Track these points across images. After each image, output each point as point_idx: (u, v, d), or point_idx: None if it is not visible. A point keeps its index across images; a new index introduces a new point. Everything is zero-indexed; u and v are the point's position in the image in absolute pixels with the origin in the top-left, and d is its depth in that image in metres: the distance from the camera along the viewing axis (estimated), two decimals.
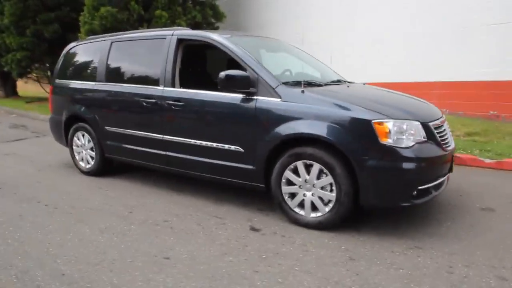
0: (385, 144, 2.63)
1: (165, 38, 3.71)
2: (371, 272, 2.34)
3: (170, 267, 2.44)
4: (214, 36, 3.43)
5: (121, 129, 4.05)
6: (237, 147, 3.21)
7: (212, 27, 11.33)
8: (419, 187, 2.71)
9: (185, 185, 4.14)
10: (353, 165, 2.70)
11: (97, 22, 9.32)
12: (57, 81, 4.86)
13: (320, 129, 2.78)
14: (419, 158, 2.66)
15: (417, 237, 2.78)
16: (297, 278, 2.28)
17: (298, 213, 3.02)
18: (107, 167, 4.54)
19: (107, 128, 4.20)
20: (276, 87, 3.01)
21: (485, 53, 7.17)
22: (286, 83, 3.09)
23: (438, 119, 3.07)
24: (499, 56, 7.04)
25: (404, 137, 2.67)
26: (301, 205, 3.01)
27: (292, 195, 3.05)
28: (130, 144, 4.02)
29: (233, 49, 3.26)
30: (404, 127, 2.69)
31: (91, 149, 4.53)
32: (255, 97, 3.08)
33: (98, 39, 4.51)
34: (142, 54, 3.98)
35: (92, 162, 4.56)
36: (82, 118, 4.49)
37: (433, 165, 2.82)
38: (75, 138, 4.70)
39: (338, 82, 3.81)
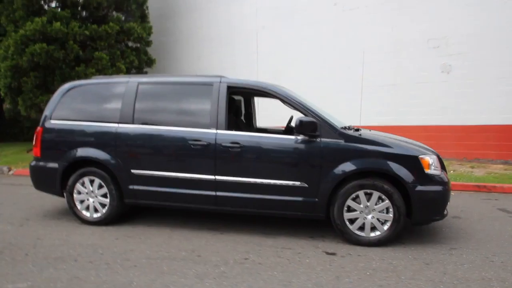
0: (428, 174, 3.29)
1: (212, 85, 3.69)
2: (446, 269, 2.84)
3: None
4: (270, 86, 3.65)
5: (156, 172, 3.69)
6: (302, 183, 3.40)
7: (141, 72, 10.91)
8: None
9: (214, 224, 3.97)
10: (408, 191, 3.25)
11: (26, 59, 7.92)
12: (52, 122, 4.07)
13: (381, 165, 3.27)
14: (446, 182, 3.39)
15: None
16: (413, 284, 2.61)
17: (359, 235, 3.36)
18: (120, 214, 3.96)
19: (134, 171, 3.75)
20: (338, 130, 3.40)
21: (384, 103, 9.01)
22: (346, 128, 3.51)
23: None
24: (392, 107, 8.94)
25: (435, 168, 3.39)
26: (361, 227, 3.37)
27: (350, 220, 3.39)
28: (167, 186, 3.68)
29: (295, 98, 3.54)
30: (434, 160, 3.41)
31: (104, 195, 3.90)
32: (319, 139, 3.39)
33: (114, 80, 4.06)
34: (182, 98, 3.79)
35: (104, 210, 3.91)
36: (95, 162, 3.87)
37: (450, 188, 3.60)
38: (77, 185, 3.96)
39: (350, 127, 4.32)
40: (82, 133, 3.93)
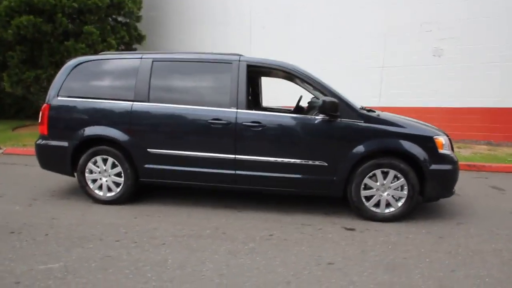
0: (441, 153, 3.41)
1: (231, 63, 3.60)
2: (459, 241, 3.00)
3: (341, 270, 2.52)
4: (291, 66, 3.60)
5: (174, 151, 3.61)
6: (321, 162, 3.44)
7: (130, 48, 10.46)
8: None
9: (231, 202, 3.99)
10: (423, 170, 3.36)
11: (11, 32, 7.37)
12: (60, 99, 3.86)
13: (399, 145, 3.35)
14: (456, 162, 3.53)
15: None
16: (433, 256, 2.75)
17: (375, 211, 3.48)
18: (133, 193, 3.89)
19: (151, 150, 3.66)
20: (358, 111, 3.43)
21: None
22: (361, 108, 3.54)
23: None
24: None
25: (447, 148, 3.51)
26: (376, 204, 3.48)
27: (366, 198, 3.49)
28: (185, 166, 3.63)
29: (316, 79, 3.51)
30: (446, 140, 3.53)
31: (118, 174, 3.80)
32: (339, 120, 3.41)
33: (125, 56, 3.87)
34: (200, 76, 3.68)
35: (118, 189, 3.82)
36: (108, 141, 3.74)
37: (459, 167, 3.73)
38: (89, 164, 3.83)
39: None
40: (94, 110, 3.76)
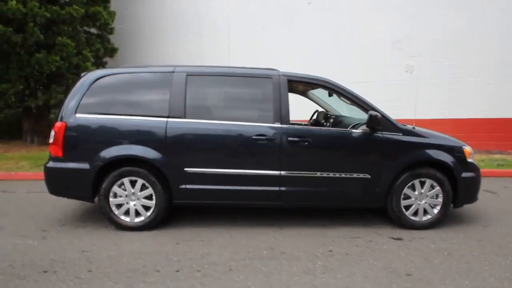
0: (469, 162, 3.66)
1: (271, 78, 3.52)
2: (496, 242, 3.21)
3: (424, 281, 2.54)
4: (328, 80, 3.63)
5: (215, 169, 3.40)
6: (365, 174, 3.48)
7: (102, 62, 9.78)
8: None
9: (267, 219, 3.84)
10: (456, 178, 3.57)
11: None
12: (79, 116, 3.43)
13: (436, 155, 3.53)
14: (479, 169, 3.80)
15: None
16: (487, 258, 2.90)
17: (413, 219, 3.59)
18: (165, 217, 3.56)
19: (188, 169, 3.39)
20: (396, 125, 3.55)
21: None
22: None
23: None
24: None
25: (472, 156, 3.77)
26: (414, 213, 3.60)
27: (405, 207, 3.59)
28: (226, 184, 3.42)
29: (353, 93, 3.57)
30: (471, 150, 3.80)
31: (148, 197, 3.45)
32: (380, 133, 3.50)
33: (154, 70, 3.58)
34: (238, 91, 3.53)
35: (148, 213, 3.47)
36: (137, 160, 3.40)
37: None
38: (115, 187, 3.43)
39: None
40: (121, 128, 3.40)
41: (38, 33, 7.11)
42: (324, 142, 3.50)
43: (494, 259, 2.91)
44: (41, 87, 8.21)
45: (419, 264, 2.80)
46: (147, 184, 3.44)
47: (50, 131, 3.58)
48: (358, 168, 3.49)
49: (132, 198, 3.47)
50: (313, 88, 4.27)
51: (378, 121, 3.37)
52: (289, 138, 3.41)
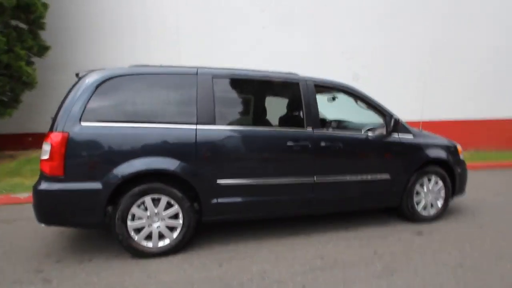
0: (460, 158, 4.11)
1: (298, 82, 3.40)
2: (502, 233, 3.68)
3: (477, 269, 2.74)
4: (351, 86, 3.67)
5: (251, 180, 3.12)
6: (386, 175, 3.61)
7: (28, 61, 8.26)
8: None
9: (289, 228, 3.70)
10: (454, 173, 3.96)
11: None
12: (85, 125, 2.77)
13: (441, 154, 3.87)
14: (466, 164, 4.29)
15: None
16: (503, 245, 3.29)
17: (424, 214, 3.87)
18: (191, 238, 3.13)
19: (222, 181, 3.05)
20: (408, 127, 3.78)
21: None
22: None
23: None
24: None
25: (462, 153, 4.24)
26: (424, 207, 3.88)
27: (416, 203, 3.85)
28: (262, 195, 3.18)
29: (372, 98, 3.67)
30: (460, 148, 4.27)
31: (173, 216, 2.99)
32: (397, 135, 3.68)
33: (173, 71, 3.09)
34: (266, 96, 3.32)
35: (174, 235, 3.00)
36: (159, 175, 2.92)
37: None
38: (134, 208, 2.88)
39: None
40: (141, 138, 2.87)
41: None
42: (352, 146, 3.53)
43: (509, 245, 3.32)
44: None
45: (458, 255, 3.02)
46: (172, 202, 2.98)
47: None
48: (381, 170, 3.62)
49: (154, 220, 2.96)
50: (332, 93, 4.28)
51: (400, 125, 3.56)
52: (322, 143, 3.35)
